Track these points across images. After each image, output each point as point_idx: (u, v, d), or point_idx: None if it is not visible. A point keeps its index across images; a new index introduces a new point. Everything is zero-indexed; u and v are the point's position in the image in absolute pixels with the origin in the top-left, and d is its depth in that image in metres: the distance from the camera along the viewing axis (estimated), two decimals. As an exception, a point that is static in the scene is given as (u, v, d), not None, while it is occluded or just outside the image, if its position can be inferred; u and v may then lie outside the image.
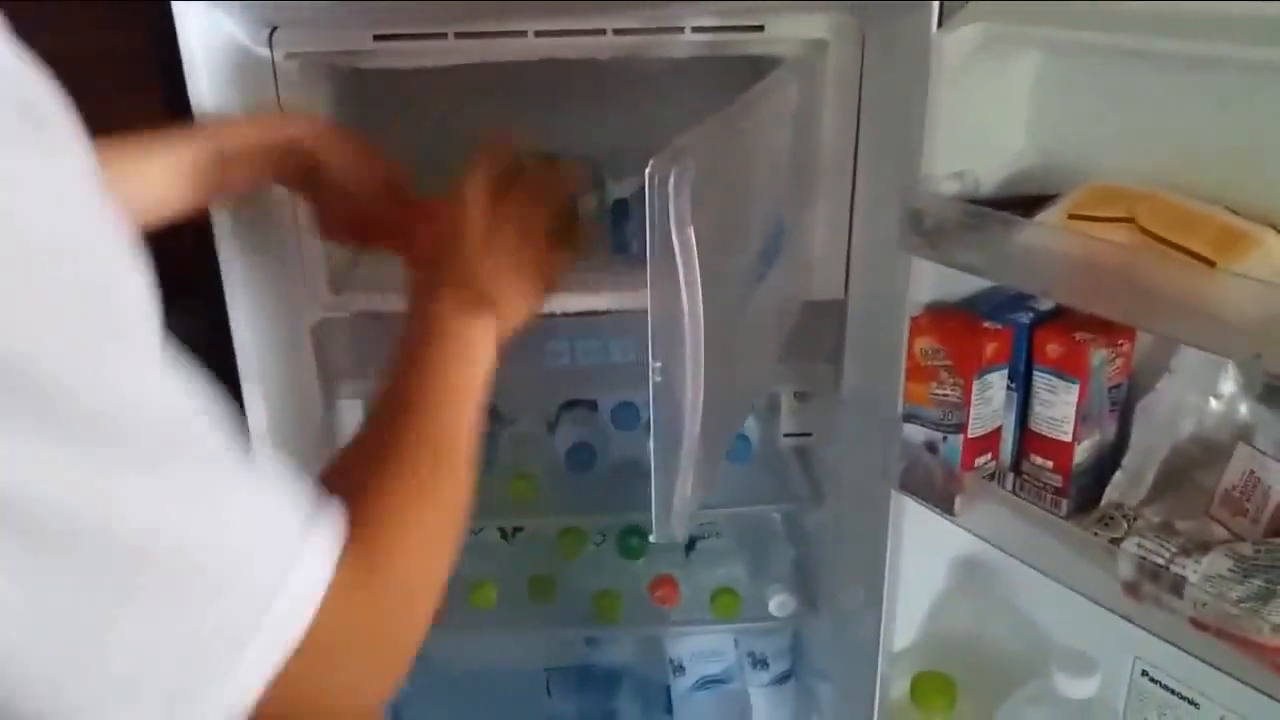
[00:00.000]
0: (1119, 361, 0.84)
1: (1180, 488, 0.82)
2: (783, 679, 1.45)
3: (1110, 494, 0.83)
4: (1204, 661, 0.74)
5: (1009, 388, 0.87)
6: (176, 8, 0.89)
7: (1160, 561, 0.74)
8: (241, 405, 1.07)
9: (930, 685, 1.00)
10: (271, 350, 1.09)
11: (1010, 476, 0.90)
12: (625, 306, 1.09)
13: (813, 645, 1.42)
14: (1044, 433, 0.86)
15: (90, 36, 1.36)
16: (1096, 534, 0.79)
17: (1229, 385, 0.80)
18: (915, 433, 0.91)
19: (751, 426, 1.35)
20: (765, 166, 0.89)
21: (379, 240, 0.90)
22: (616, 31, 1.02)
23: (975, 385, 0.85)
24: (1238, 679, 0.72)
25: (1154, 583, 0.74)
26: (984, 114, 0.87)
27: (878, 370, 1.03)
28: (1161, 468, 0.83)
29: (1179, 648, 0.75)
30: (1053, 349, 0.83)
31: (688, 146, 0.63)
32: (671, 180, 0.58)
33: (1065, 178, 0.83)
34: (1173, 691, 0.87)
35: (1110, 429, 0.87)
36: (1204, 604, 0.71)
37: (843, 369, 1.19)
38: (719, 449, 0.88)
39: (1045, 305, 0.87)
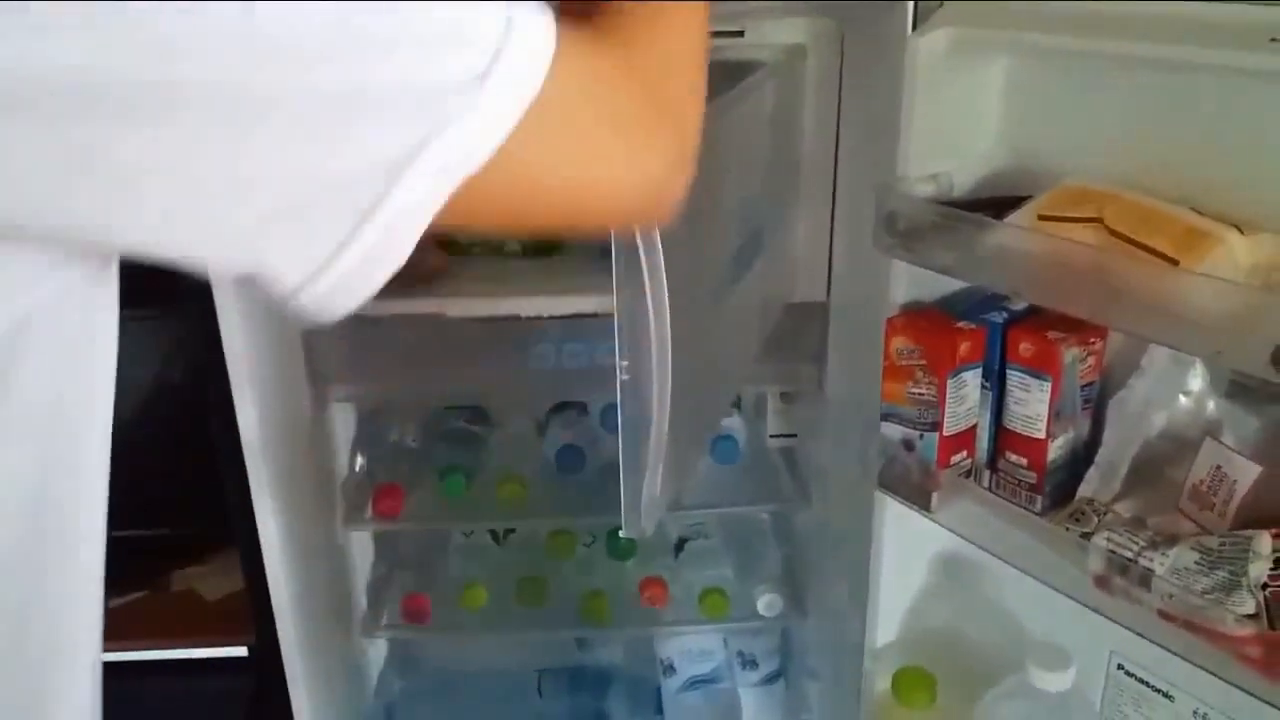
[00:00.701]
0: (1091, 360, 0.86)
1: (1151, 483, 0.84)
2: (772, 679, 1.46)
3: (1083, 490, 0.85)
4: (1172, 653, 0.75)
5: (983, 386, 0.89)
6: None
7: (1129, 555, 0.75)
8: (232, 408, 1.09)
9: (911, 681, 1.01)
10: (262, 353, 1.10)
11: (986, 473, 0.91)
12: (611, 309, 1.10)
13: (801, 645, 1.43)
14: (1018, 430, 0.87)
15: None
16: (1068, 529, 0.80)
17: (1198, 382, 0.81)
18: (893, 431, 0.92)
19: (739, 427, 1.36)
20: (740, 169, 0.91)
21: None
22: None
23: (949, 384, 0.86)
24: (1205, 669, 0.73)
25: (1123, 576, 0.75)
26: (958, 117, 0.89)
27: (859, 371, 1.04)
28: (1133, 463, 0.84)
29: (1149, 639, 0.77)
30: (1025, 348, 0.85)
31: None
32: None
33: (1037, 179, 0.85)
34: (1147, 684, 0.89)
35: (1084, 426, 0.88)
36: (1170, 596, 0.72)
37: (826, 370, 1.21)
38: (693, 446, 0.89)
39: (1019, 305, 0.88)
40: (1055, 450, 0.87)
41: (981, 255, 0.78)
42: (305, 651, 1.22)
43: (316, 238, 0.37)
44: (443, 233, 0.39)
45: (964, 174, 0.89)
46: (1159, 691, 0.87)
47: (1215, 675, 0.73)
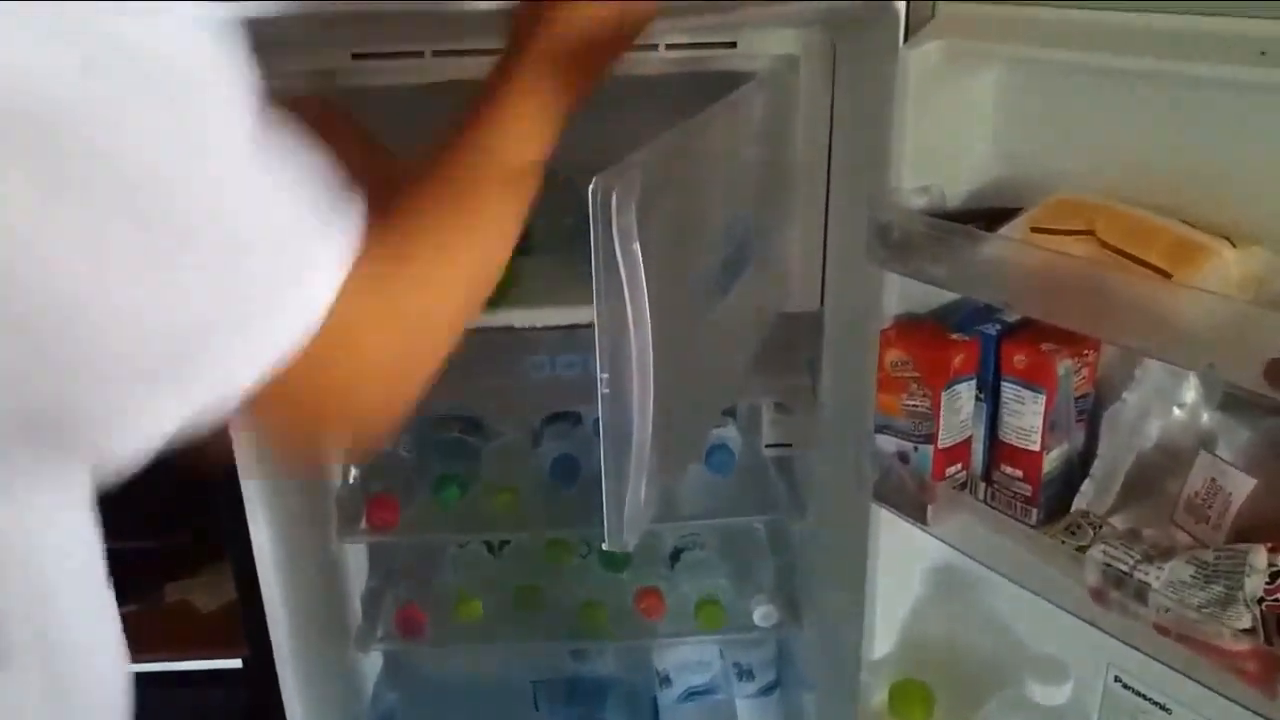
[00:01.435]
0: (1085, 371, 0.85)
1: (1147, 495, 0.83)
2: (768, 690, 1.45)
3: (1078, 502, 0.84)
4: (1170, 667, 0.74)
5: (978, 398, 0.88)
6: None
7: (1124, 568, 0.75)
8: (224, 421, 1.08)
9: (908, 694, 1.01)
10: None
11: (981, 486, 0.91)
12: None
13: (797, 655, 1.43)
14: (1013, 442, 0.87)
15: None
16: (1064, 542, 0.80)
17: (1191, 394, 0.81)
18: (887, 443, 0.92)
19: (733, 438, 1.36)
20: (727, 179, 0.91)
21: None
22: (592, 49, 1.04)
23: (944, 396, 0.86)
24: (1202, 684, 0.73)
25: (1119, 589, 0.75)
26: (950, 128, 0.89)
27: (853, 381, 1.04)
28: (1128, 476, 0.84)
29: (1145, 653, 0.76)
30: (1019, 360, 0.84)
31: (635, 162, 0.64)
32: (615, 196, 0.59)
33: (1029, 190, 0.84)
34: (1145, 697, 0.88)
35: (1078, 438, 0.88)
36: (1166, 609, 0.72)
37: (820, 380, 1.21)
38: (678, 458, 0.89)
39: (1013, 317, 0.88)
40: (1050, 462, 0.86)
41: (974, 268, 0.78)
42: (300, 664, 1.22)
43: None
44: None
45: (957, 185, 0.89)
46: (1157, 705, 0.87)
47: (1213, 690, 0.73)
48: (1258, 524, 0.74)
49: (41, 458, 0.48)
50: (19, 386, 0.41)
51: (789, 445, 1.36)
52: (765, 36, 1.03)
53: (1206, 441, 0.80)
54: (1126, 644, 0.78)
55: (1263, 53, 0.64)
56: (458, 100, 0.68)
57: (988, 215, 0.84)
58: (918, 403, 0.88)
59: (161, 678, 1.42)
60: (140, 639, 1.55)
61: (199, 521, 1.44)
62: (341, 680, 1.37)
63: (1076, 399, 0.86)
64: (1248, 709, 0.70)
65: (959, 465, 0.90)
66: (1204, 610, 0.70)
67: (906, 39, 0.86)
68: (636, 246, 0.63)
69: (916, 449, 0.89)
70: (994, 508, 0.89)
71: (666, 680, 1.43)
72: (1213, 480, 0.76)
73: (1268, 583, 0.69)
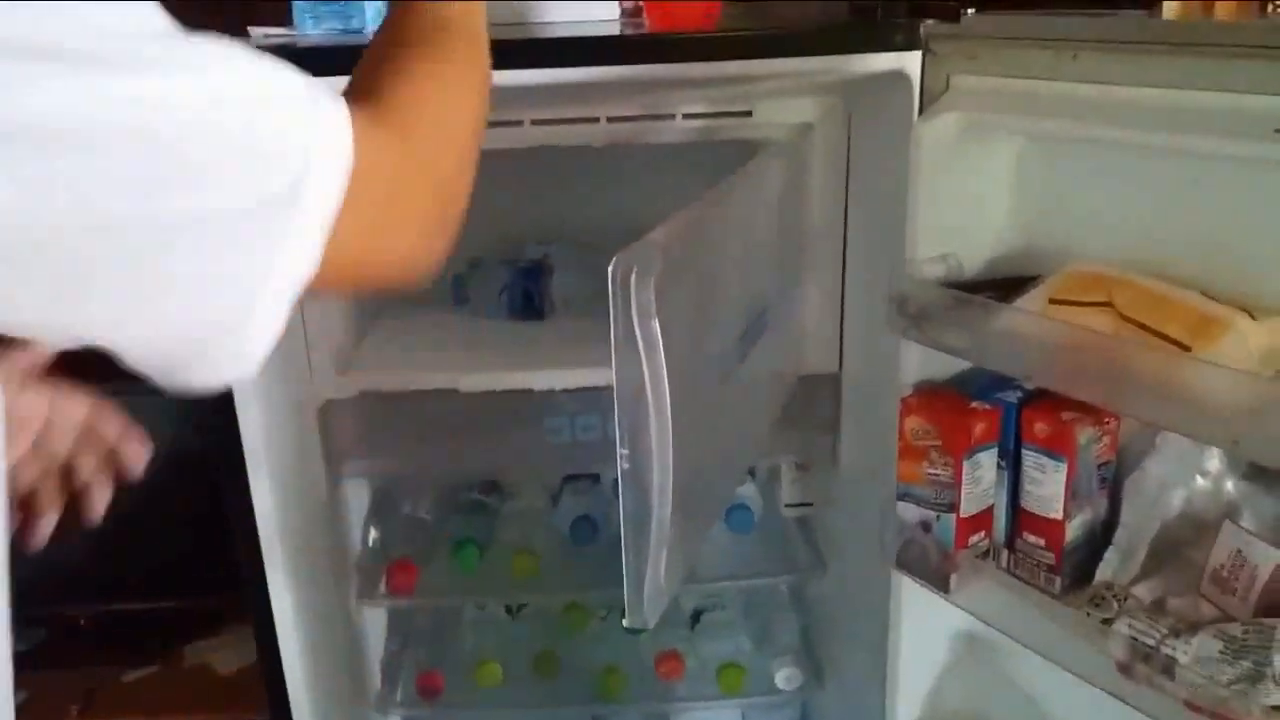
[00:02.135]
0: (1106, 440, 0.85)
1: (1171, 565, 0.83)
2: (791, 753, 1.44)
3: (1102, 571, 0.84)
4: (1200, 745, 0.73)
5: (999, 466, 0.88)
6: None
7: (1151, 643, 0.74)
8: (247, 485, 1.09)
9: (933, 763, 0.99)
10: (277, 431, 1.11)
11: (1004, 554, 0.90)
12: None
13: (820, 718, 1.41)
14: (1035, 511, 0.87)
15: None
16: (1089, 614, 0.79)
17: (1215, 463, 0.81)
18: (909, 511, 0.92)
19: (753, 496, 1.35)
20: (746, 250, 0.92)
21: None
22: (610, 119, 1.05)
23: (965, 465, 0.86)
24: (1233, 762, 0.71)
25: (1146, 664, 0.74)
26: (967, 197, 0.89)
27: (873, 444, 1.04)
28: (1152, 545, 0.84)
29: (1174, 729, 0.75)
30: (1040, 428, 0.84)
31: (655, 241, 0.65)
32: (634, 275, 0.60)
33: (1047, 259, 0.85)
34: (1175, 770, 0.87)
35: (1101, 506, 0.88)
36: (1197, 686, 0.71)
37: (840, 441, 1.21)
38: (699, 528, 0.89)
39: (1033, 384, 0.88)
40: (1073, 530, 0.86)
41: (993, 339, 0.78)
42: (319, 729, 1.21)
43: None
44: None
45: (974, 254, 0.90)
46: (1187, 778, 0.86)
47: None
48: (1286, 597, 0.73)
49: None
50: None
51: (809, 504, 1.35)
52: (781, 105, 1.05)
53: (1231, 512, 0.79)
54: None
55: (1277, 130, 0.65)
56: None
57: (1006, 285, 0.84)
58: (939, 471, 0.87)
59: (181, 740, 1.42)
60: (159, 700, 1.55)
61: (219, 584, 1.45)
62: (360, 744, 1.37)
63: (1098, 467, 0.86)
64: (1281, 788, 0.69)
65: (982, 533, 0.90)
66: (1234, 687, 0.69)
67: (921, 109, 0.87)
68: (656, 324, 0.64)
69: (939, 518, 0.89)
70: (1017, 576, 0.89)
71: (688, 743, 1.41)
72: (1238, 551, 0.75)
73: (1297, 659, 0.68)
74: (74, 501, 0.80)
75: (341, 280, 0.49)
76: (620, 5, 1.11)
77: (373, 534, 1.33)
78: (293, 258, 0.43)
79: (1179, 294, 0.74)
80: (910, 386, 0.93)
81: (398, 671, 1.35)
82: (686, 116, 1.05)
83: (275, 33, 1.08)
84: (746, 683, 1.30)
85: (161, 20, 0.41)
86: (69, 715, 1.47)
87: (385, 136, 0.49)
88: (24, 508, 0.76)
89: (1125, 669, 0.76)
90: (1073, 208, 0.86)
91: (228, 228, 0.41)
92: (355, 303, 1.26)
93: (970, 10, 0.84)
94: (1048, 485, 0.85)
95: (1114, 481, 0.88)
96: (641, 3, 1.06)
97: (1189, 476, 0.82)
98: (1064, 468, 0.84)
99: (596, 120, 1.05)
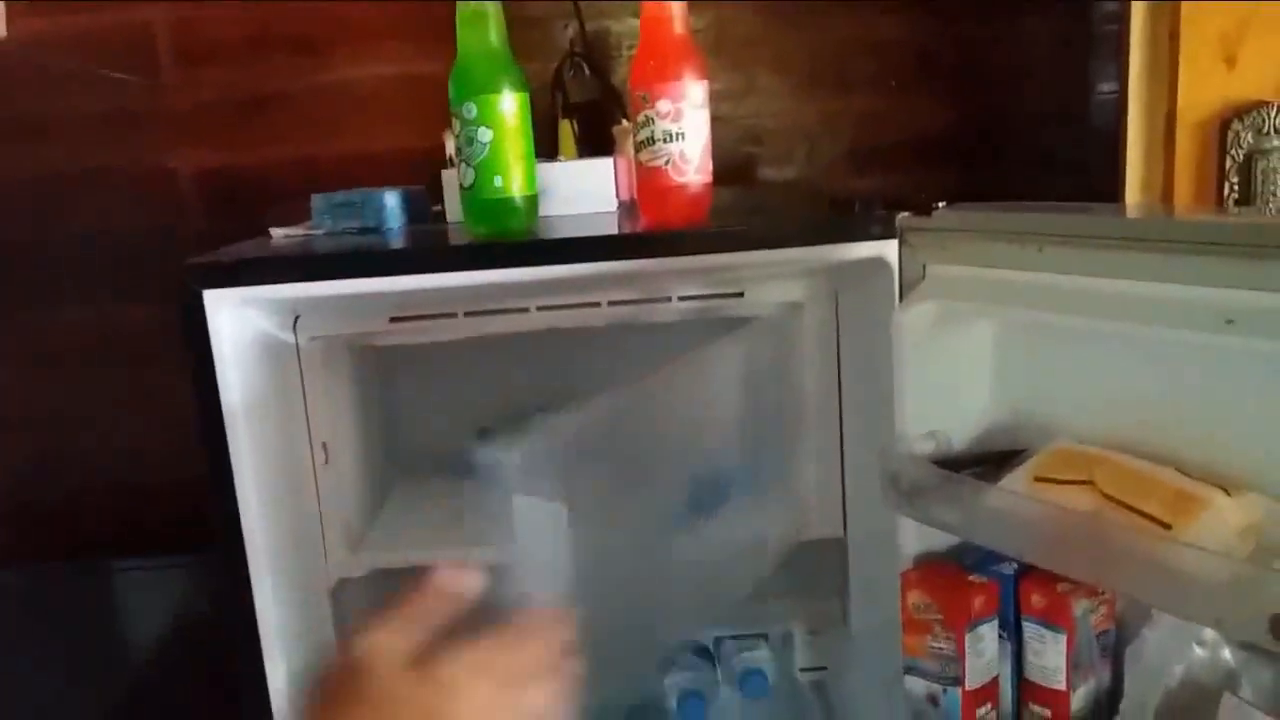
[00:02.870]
0: (1103, 609, 0.87)
1: (1178, 736, 0.83)
2: None
3: (1110, 744, 0.84)
4: None
5: (1001, 638, 0.90)
6: (209, 297, 0.96)
7: (1161, 821, 0.74)
8: (261, 664, 1.10)
9: None
10: (290, 612, 1.12)
11: (1013, 725, 0.91)
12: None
13: None
14: (1039, 681, 0.88)
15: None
16: (1099, 790, 0.80)
17: (1210, 632, 0.82)
18: (917, 685, 0.93)
19: (767, 660, 1.35)
20: (682, 425, 0.94)
21: None
22: (611, 303, 1.11)
23: (967, 638, 0.88)
24: None
25: (1158, 844, 0.74)
26: (951, 377, 0.94)
27: (884, 609, 1.05)
28: (1157, 714, 0.84)
29: None
30: (1037, 600, 0.86)
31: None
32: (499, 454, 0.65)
33: (1031, 433, 0.89)
34: None
35: (1105, 674, 0.89)
36: None
37: (849, 606, 1.22)
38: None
39: (1027, 554, 0.90)
40: (1078, 701, 0.87)
41: (982, 517, 0.81)
42: None
43: None
44: None
45: (962, 430, 0.93)
46: None
47: None
48: (1291, 769, 0.74)
49: None
50: None
51: (823, 668, 1.35)
52: (770, 287, 1.10)
53: (1231, 681, 0.80)
54: None
55: (1229, 320, 0.69)
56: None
57: (993, 459, 0.88)
58: (942, 645, 0.89)
59: None
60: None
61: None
62: None
63: (1098, 635, 0.88)
64: None
65: (988, 705, 0.91)
66: None
67: (901, 294, 0.93)
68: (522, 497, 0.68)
69: (945, 691, 0.90)
70: (1027, 749, 0.89)
71: None
72: (1240, 725, 0.76)
73: (1306, 836, 0.69)
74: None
75: None
76: (617, 199, 1.19)
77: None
78: None
79: (1158, 472, 0.77)
80: (910, 558, 0.95)
81: None
82: (682, 299, 1.11)
83: (295, 232, 1.16)
84: None
85: None
86: None
87: None
88: None
89: None
90: (1052, 386, 0.90)
91: None
92: (369, 478, 1.30)
93: (941, 204, 0.90)
94: (1049, 656, 0.86)
95: (1115, 650, 0.89)
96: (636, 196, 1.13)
97: (1187, 645, 0.83)
98: (1064, 638, 0.85)
99: (598, 304, 1.11)
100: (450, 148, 1.15)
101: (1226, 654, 0.82)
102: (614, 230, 1.09)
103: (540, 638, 0.58)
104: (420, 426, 1.42)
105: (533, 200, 1.01)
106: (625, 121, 1.30)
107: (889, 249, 0.94)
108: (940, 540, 0.97)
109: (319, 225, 1.15)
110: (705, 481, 0.94)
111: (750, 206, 1.36)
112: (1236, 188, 1.06)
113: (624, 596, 0.80)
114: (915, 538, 0.96)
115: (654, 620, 0.97)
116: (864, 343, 1.07)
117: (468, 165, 0.96)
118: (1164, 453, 0.79)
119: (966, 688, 0.89)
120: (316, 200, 1.15)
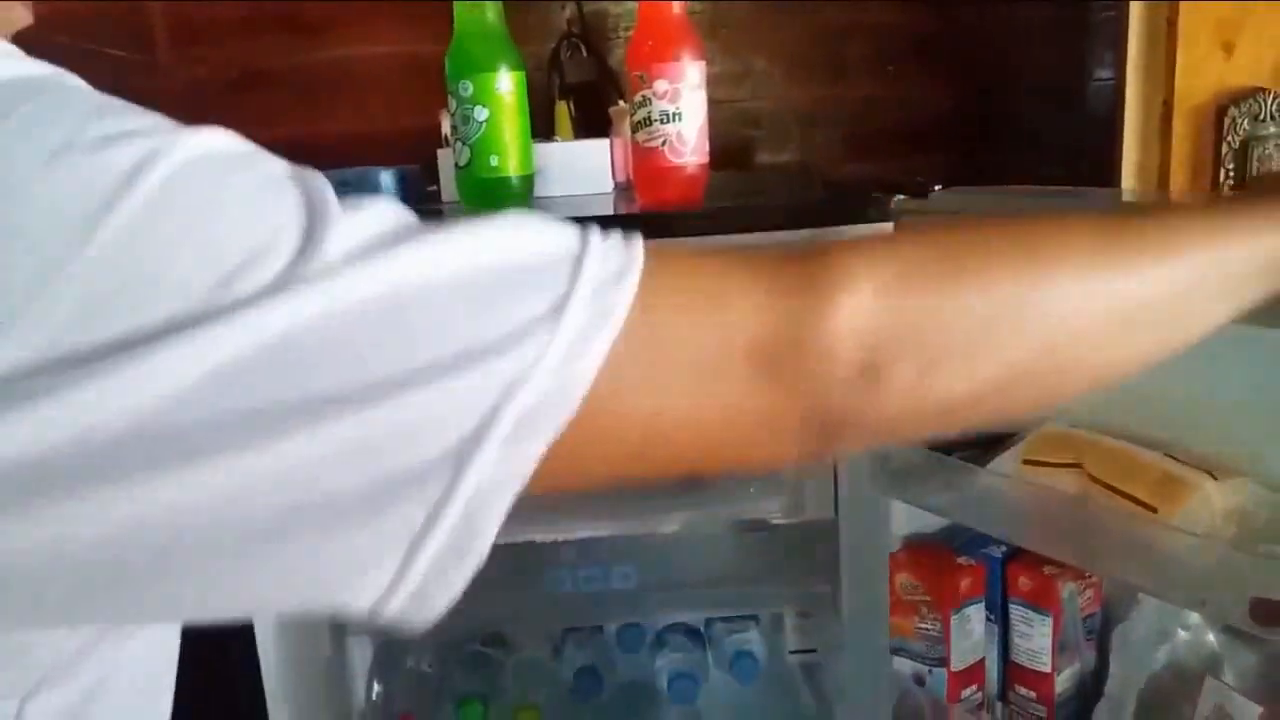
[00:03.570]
0: (1089, 592, 0.88)
1: (1161, 717, 0.84)
2: None
3: (1095, 724, 0.85)
4: None
5: (988, 620, 0.90)
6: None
7: (1143, 801, 0.75)
8: (253, 644, 1.11)
9: None
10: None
11: (998, 705, 0.92)
12: (624, 533, 1.14)
13: None
14: (1025, 664, 0.88)
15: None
16: (1082, 770, 0.80)
17: (1195, 616, 0.83)
18: (903, 665, 0.93)
19: (757, 644, 1.36)
20: None
21: None
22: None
23: (954, 619, 0.88)
24: None
25: (1140, 823, 0.75)
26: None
27: (874, 591, 1.05)
28: (1142, 696, 0.85)
29: None
30: (1024, 582, 0.87)
31: None
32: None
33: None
34: None
35: (1090, 657, 0.89)
36: (1189, 847, 0.72)
37: (840, 587, 1.22)
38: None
39: (1016, 537, 0.91)
40: (1063, 683, 0.87)
41: (971, 499, 0.82)
42: None
43: (383, 553, 0.31)
44: None
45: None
46: None
47: None
48: (1271, 751, 0.75)
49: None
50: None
51: (814, 650, 1.35)
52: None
53: (1213, 664, 0.81)
54: None
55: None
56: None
57: (984, 443, 0.88)
58: (929, 626, 0.90)
59: None
60: None
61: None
62: None
63: (1084, 619, 0.88)
64: None
65: (974, 687, 0.91)
66: (1226, 847, 0.70)
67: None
68: None
69: (931, 671, 0.91)
70: (1011, 730, 0.90)
71: None
72: (1221, 707, 0.77)
73: (1285, 818, 0.69)
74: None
75: (652, 457, 0.35)
76: (613, 180, 1.19)
77: (376, 688, 1.33)
78: (528, 416, 0.31)
79: (1145, 456, 0.77)
80: (900, 540, 0.95)
81: (402, 832, 1.33)
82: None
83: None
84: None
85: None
86: None
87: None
88: None
89: (1120, 828, 0.77)
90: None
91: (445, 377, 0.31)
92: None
93: (937, 188, 0.90)
94: (1035, 639, 0.87)
95: (1100, 633, 0.89)
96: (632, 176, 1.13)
97: (1171, 630, 0.84)
98: (1049, 621, 0.86)
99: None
100: (446, 127, 1.15)
101: (1210, 637, 0.83)
102: (610, 211, 1.09)
103: None
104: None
105: (529, 180, 1.01)
106: (622, 103, 1.30)
107: (885, 232, 0.94)
108: (930, 521, 0.98)
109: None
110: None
111: (746, 189, 1.36)
112: (1232, 174, 1.06)
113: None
114: (905, 519, 0.97)
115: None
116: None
117: (463, 144, 0.96)
118: (1153, 437, 0.79)
119: (952, 669, 0.89)
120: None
